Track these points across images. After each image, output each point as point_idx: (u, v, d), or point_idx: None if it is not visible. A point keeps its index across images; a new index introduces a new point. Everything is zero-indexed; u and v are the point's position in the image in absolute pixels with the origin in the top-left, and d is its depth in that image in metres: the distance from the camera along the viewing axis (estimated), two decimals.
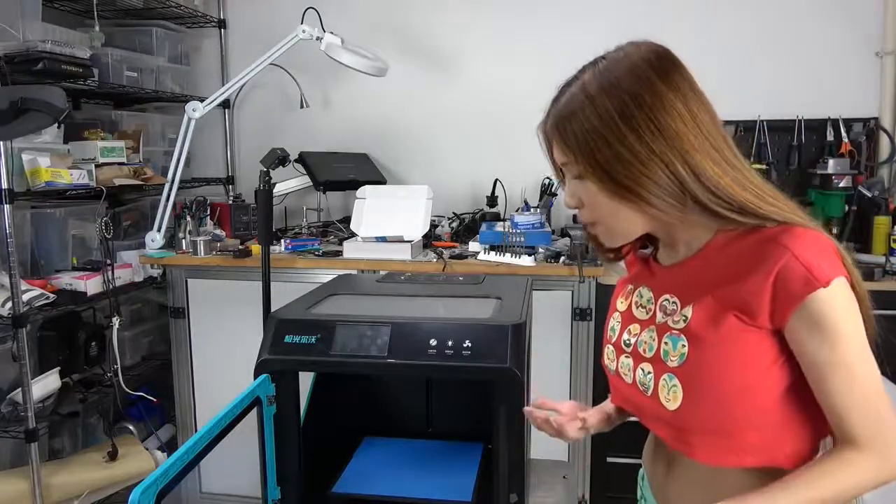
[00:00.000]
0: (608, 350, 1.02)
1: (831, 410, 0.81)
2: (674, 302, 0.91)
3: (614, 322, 1.03)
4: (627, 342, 0.96)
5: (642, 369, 0.92)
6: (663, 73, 0.85)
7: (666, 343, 0.89)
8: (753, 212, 0.84)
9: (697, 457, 0.87)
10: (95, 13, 2.50)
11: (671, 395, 0.86)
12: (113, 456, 2.30)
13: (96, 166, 2.37)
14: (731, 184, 0.84)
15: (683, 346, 0.86)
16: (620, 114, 0.83)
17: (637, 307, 0.98)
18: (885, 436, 0.80)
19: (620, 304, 1.03)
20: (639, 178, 0.83)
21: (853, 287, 0.82)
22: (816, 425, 0.85)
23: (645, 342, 0.92)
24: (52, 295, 2.17)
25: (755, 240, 0.84)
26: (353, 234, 2.44)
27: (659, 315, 0.93)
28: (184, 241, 2.46)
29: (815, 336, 0.79)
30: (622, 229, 0.91)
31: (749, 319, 0.82)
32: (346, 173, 2.71)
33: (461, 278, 1.71)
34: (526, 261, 2.20)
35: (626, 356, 0.96)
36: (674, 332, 0.88)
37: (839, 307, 0.79)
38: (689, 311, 0.87)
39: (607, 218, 0.90)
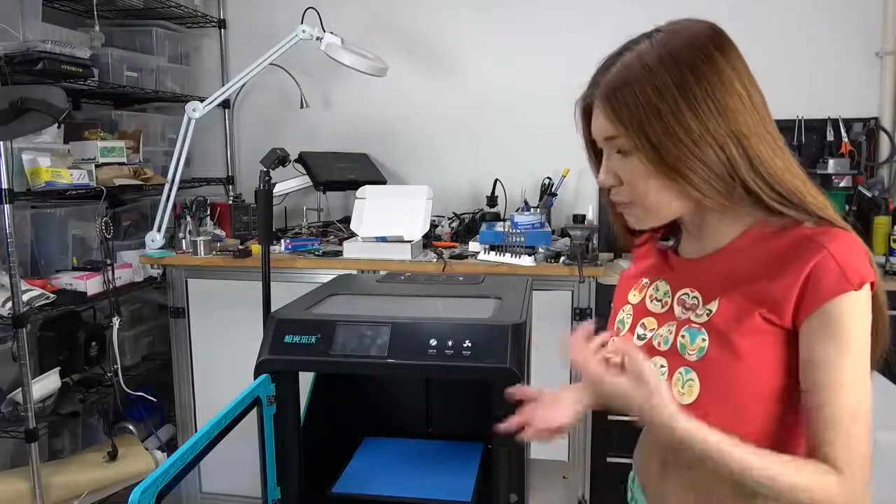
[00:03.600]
0: (613, 343, 1.01)
1: (816, 417, 0.80)
2: (694, 296, 0.90)
3: (624, 315, 1.00)
4: (642, 336, 0.95)
5: (654, 363, 0.90)
6: (723, 49, 0.83)
7: (683, 336, 0.87)
8: (798, 202, 0.82)
9: None
10: (95, 13, 2.50)
11: (686, 390, 0.85)
12: (113, 456, 2.30)
13: (96, 166, 2.37)
14: (782, 168, 0.82)
15: (703, 340, 0.85)
16: (679, 87, 0.80)
17: (652, 300, 0.97)
18: (856, 464, 0.78)
19: (633, 297, 1.01)
20: (688, 158, 0.80)
21: (878, 292, 0.82)
22: None
23: (661, 336, 0.91)
24: (52, 295, 2.16)
25: (792, 237, 0.83)
26: (353, 234, 2.44)
27: (678, 309, 0.92)
28: (184, 241, 2.46)
29: (828, 337, 0.79)
30: (658, 211, 0.88)
31: (775, 318, 0.81)
32: (346, 173, 2.71)
33: (461, 278, 1.71)
34: (526, 261, 2.20)
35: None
36: (694, 325, 0.87)
37: (860, 314, 0.79)
38: (714, 306, 0.86)
39: (645, 197, 0.87)
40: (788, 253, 0.82)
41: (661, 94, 0.80)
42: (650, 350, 0.92)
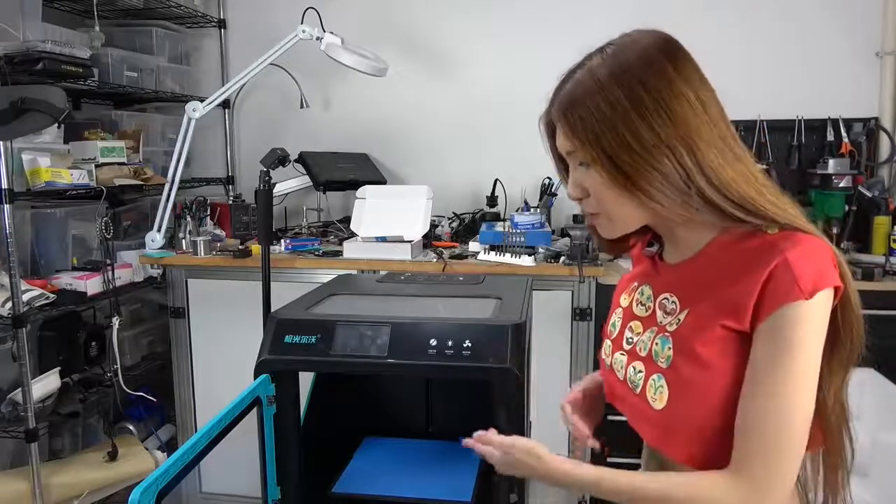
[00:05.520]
0: (605, 345, 1.02)
1: (739, 423, 0.80)
2: (674, 301, 0.91)
3: (615, 318, 1.03)
4: (629, 339, 0.96)
5: (634, 367, 0.92)
6: (673, 60, 0.84)
7: (657, 344, 0.89)
8: (754, 209, 0.83)
9: (678, 458, 0.87)
10: (95, 13, 2.50)
11: (657, 395, 0.87)
12: (113, 456, 2.30)
13: (96, 166, 2.37)
14: (734, 176, 0.83)
15: (669, 348, 0.87)
16: (630, 99, 0.81)
17: (638, 304, 0.98)
18: (771, 479, 0.78)
19: (623, 301, 1.03)
20: (643, 168, 0.81)
21: (847, 296, 0.82)
22: None
23: (643, 341, 0.93)
24: (52, 295, 2.16)
25: (756, 244, 0.83)
26: (353, 234, 2.44)
27: (659, 314, 0.93)
28: (184, 241, 2.46)
29: (771, 345, 0.79)
30: (621, 221, 0.90)
31: (736, 324, 0.81)
32: (346, 173, 2.71)
33: (461, 278, 1.71)
34: (526, 261, 2.20)
35: (621, 353, 0.97)
36: (665, 334, 0.89)
37: (808, 324, 0.78)
38: (683, 315, 0.88)
39: (609, 208, 0.88)
40: (750, 259, 0.82)
41: (613, 106, 0.82)
42: (633, 355, 0.94)
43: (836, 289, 0.80)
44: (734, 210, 0.83)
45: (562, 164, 0.95)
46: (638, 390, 0.90)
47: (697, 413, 0.83)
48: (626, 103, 0.81)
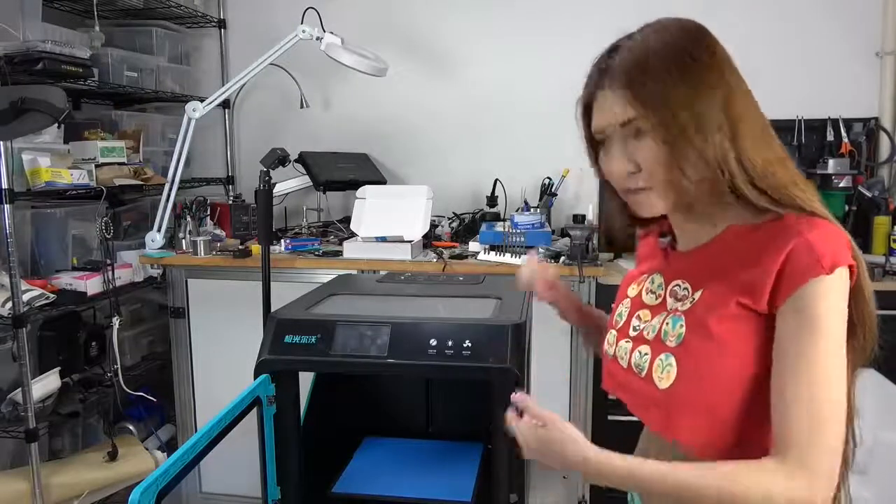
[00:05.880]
0: (609, 335, 1.02)
1: (777, 406, 0.80)
2: (685, 287, 0.92)
3: (622, 308, 1.03)
4: (636, 327, 0.96)
5: (639, 351, 0.92)
6: (713, 41, 0.87)
7: (667, 324, 0.89)
8: (788, 200, 0.83)
9: (682, 439, 0.86)
10: (95, 13, 2.50)
11: (664, 374, 0.87)
12: (113, 456, 2.30)
13: (96, 166, 2.37)
14: (770, 160, 0.84)
15: (682, 326, 0.87)
16: (681, 69, 0.83)
17: (647, 293, 0.99)
18: (814, 456, 0.77)
19: (631, 291, 1.03)
20: (683, 142, 0.82)
21: (860, 281, 0.82)
22: None
23: (652, 326, 0.93)
24: (52, 295, 2.16)
25: (774, 228, 0.84)
26: (353, 234, 2.44)
27: (670, 301, 0.93)
28: (184, 241, 2.46)
29: (799, 321, 0.79)
30: (666, 196, 0.88)
31: (751, 303, 0.82)
32: (346, 173, 2.71)
33: (461, 278, 1.71)
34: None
35: (627, 340, 0.97)
36: (678, 313, 0.89)
37: (832, 299, 0.79)
38: (698, 295, 0.88)
39: (659, 180, 0.86)
40: (767, 241, 0.83)
41: (667, 74, 0.83)
42: (639, 340, 0.94)
43: (851, 271, 0.81)
44: (767, 204, 0.83)
45: (593, 148, 0.94)
46: (644, 374, 0.90)
47: (705, 391, 0.83)
48: (677, 73, 0.83)
